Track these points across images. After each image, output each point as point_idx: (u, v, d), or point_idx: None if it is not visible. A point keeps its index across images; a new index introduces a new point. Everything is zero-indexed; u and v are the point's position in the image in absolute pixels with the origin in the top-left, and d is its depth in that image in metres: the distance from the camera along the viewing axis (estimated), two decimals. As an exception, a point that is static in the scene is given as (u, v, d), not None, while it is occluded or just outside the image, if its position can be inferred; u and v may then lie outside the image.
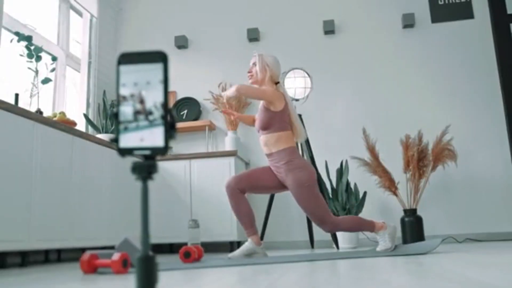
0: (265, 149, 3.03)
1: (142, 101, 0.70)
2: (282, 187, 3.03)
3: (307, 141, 4.01)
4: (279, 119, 2.95)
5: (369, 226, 2.94)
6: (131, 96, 0.71)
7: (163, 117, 0.70)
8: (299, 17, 5.16)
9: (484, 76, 4.70)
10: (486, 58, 4.74)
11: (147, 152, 0.70)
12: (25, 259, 2.88)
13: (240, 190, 2.96)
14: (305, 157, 4.12)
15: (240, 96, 3.03)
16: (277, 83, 3.07)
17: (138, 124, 0.70)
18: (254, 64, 3.08)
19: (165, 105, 0.70)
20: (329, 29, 4.99)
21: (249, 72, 3.09)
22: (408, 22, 4.84)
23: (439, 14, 4.91)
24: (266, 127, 2.97)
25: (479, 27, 4.81)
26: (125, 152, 0.71)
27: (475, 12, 4.85)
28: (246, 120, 3.29)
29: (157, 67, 0.71)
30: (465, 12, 4.87)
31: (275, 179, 3.02)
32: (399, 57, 4.89)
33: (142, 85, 0.71)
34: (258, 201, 4.63)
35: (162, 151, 0.70)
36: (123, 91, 0.71)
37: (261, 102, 3.01)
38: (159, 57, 0.71)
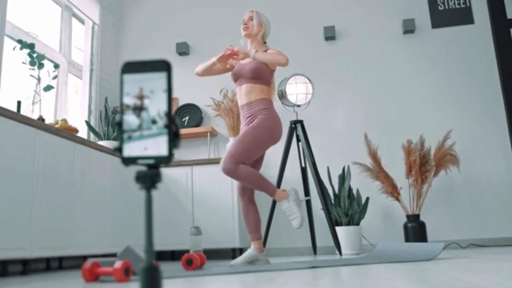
0: (244, 99, 3.04)
1: (145, 110, 0.70)
2: None
3: (309, 147, 4.00)
4: (268, 75, 3.08)
5: (269, 188, 2.88)
6: (134, 105, 0.71)
7: (167, 126, 0.70)
8: (300, 23, 5.17)
9: (485, 81, 4.71)
10: (486, 62, 4.74)
11: (151, 161, 0.70)
12: (27, 267, 2.87)
13: (251, 190, 3.04)
14: (307, 163, 4.12)
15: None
16: (264, 42, 3.21)
17: (142, 133, 0.70)
18: (251, 18, 3.16)
19: (168, 114, 0.70)
20: (330, 35, 5.00)
21: (245, 24, 3.16)
22: (409, 27, 4.85)
23: (439, 19, 4.92)
24: (257, 76, 3.02)
25: (479, 32, 4.82)
26: (129, 161, 0.70)
27: (475, 17, 4.86)
28: (223, 67, 3.19)
29: (161, 76, 0.70)
30: (465, 17, 4.88)
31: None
32: (399, 63, 4.89)
33: (145, 94, 0.71)
34: (260, 207, 4.63)
35: (166, 160, 0.70)
36: (127, 100, 0.71)
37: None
38: (163, 66, 0.71)
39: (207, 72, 3.20)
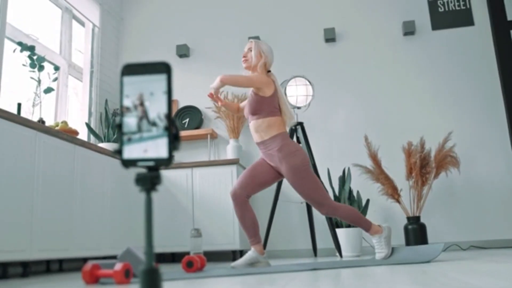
0: (256, 137, 3.00)
1: (145, 112, 0.70)
2: (279, 175, 3.03)
3: (309, 149, 4.00)
4: (268, 104, 2.95)
5: (366, 224, 2.93)
6: (134, 107, 0.71)
7: (167, 128, 0.70)
8: (300, 26, 5.17)
9: (486, 83, 4.71)
10: (487, 64, 4.74)
11: (151, 164, 0.70)
12: (27, 269, 2.87)
13: (246, 196, 2.96)
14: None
15: (228, 85, 2.98)
16: (268, 71, 3.10)
17: (142, 135, 0.70)
18: (250, 49, 3.09)
19: (168, 116, 0.70)
20: (330, 37, 5.01)
21: (243, 56, 3.10)
22: (409, 29, 4.85)
23: (439, 21, 4.92)
24: (255, 112, 2.95)
25: (479, 34, 4.82)
26: (129, 163, 0.70)
27: (475, 19, 4.87)
28: (231, 107, 3.23)
29: (161, 78, 0.70)
30: (465, 19, 4.89)
31: (272, 170, 3.01)
32: (400, 64, 4.89)
33: (145, 96, 0.71)
34: (260, 210, 4.63)
35: (166, 162, 0.69)
36: (127, 102, 0.71)
37: (251, 88, 3.01)
38: (163, 68, 0.71)
39: (235, 113, 3.27)
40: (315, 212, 4.49)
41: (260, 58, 3.05)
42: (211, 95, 3.04)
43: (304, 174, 2.86)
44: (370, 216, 4.43)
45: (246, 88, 5.04)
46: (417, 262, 2.58)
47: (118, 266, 1.98)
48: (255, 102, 2.95)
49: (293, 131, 4.11)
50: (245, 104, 3.16)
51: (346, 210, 2.91)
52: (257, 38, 5.13)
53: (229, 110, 3.24)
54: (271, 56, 3.10)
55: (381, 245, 2.92)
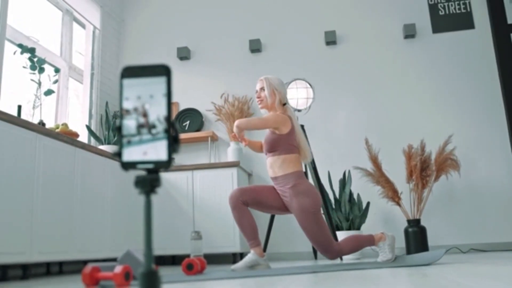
0: (270, 172, 2.99)
1: (145, 115, 0.70)
2: (286, 210, 3.01)
3: (313, 162, 4.00)
4: (285, 141, 2.93)
5: (369, 242, 2.94)
6: (134, 110, 0.70)
7: (167, 131, 0.70)
8: (301, 28, 5.18)
9: (486, 86, 4.71)
10: (487, 67, 4.74)
11: (150, 166, 0.70)
12: (27, 271, 2.86)
13: (243, 202, 2.93)
14: (307, 168, 4.11)
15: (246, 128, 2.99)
16: (284, 104, 3.06)
17: (141, 138, 0.70)
18: (262, 89, 3.05)
19: (168, 118, 0.70)
20: (331, 39, 5.01)
21: (258, 97, 3.07)
22: (409, 32, 4.86)
23: (439, 24, 4.92)
24: (272, 149, 2.95)
25: (479, 37, 4.82)
26: (128, 166, 0.70)
27: (475, 22, 4.87)
28: (255, 145, 3.23)
29: (161, 81, 0.70)
30: (466, 22, 4.89)
31: (280, 200, 2.98)
32: (400, 67, 4.90)
33: (145, 98, 0.70)
34: (261, 213, 4.62)
35: (165, 165, 0.69)
36: (126, 105, 0.71)
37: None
38: (163, 71, 0.71)
39: (259, 151, 3.23)
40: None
41: (274, 96, 3.03)
42: (234, 137, 3.01)
43: (312, 216, 2.85)
44: (370, 218, 4.43)
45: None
46: (417, 265, 2.57)
47: (118, 268, 1.98)
48: (271, 139, 2.95)
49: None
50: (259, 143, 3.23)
51: (348, 244, 2.91)
52: (257, 41, 5.13)
53: (253, 148, 3.22)
54: (284, 90, 3.07)
55: (385, 251, 2.93)
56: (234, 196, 2.93)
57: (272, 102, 3.02)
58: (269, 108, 3.06)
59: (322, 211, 3.01)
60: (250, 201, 2.95)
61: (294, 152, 2.97)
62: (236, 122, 2.90)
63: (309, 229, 2.87)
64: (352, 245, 2.92)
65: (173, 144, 0.70)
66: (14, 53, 3.65)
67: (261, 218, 4.56)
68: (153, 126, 0.70)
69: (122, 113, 0.71)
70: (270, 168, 2.99)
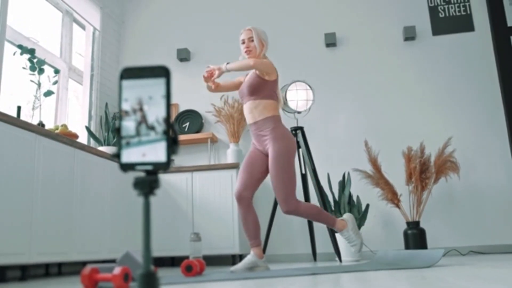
0: (249, 118, 3.02)
1: (144, 116, 0.70)
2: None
3: (309, 154, 4.00)
4: (269, 88, 3.01)
5: (329, 220, 2.95)
6: (133, 111, 0.70)
7: (166, 132, 0.69)
8: (301, 30, 5.18)
9: (486, 88, 4.71)
10: (487, 70, 4.75)
11: (149, 168, 0.70)
12: (25, 272, 2.86)
13: (251, 196, 2.98)
14: (307, 170, 4.11)
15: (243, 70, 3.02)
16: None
17: (140, 139, 0.70)
18: (250, 39, 3.10)
19: (167, 120, 0.70)
20: (331, 41, 5.01)
21: (247, 47, 3.10)
22: (409, 34, 4.86)
23: (439, 27, 4.93)
24: (254, 93, 2.99)
25: (479, 40, 4.83)
26: (127, 167, 0.70)
27: (475, 25, 4.88)
28: (225, 87, 3.20)
29: (160, 82, 0.70)
30: (466, 24, 4.90)
31: (264, 158, 3.02)
32: (400, 70, 4.90)
33: (144, 100, 0.70)
34: (260, 214, 4.62)
35: (164, 167, 0.69)
36: (126, 106, 0.71)
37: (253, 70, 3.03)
38: (162, 72, 0.71)
39: (213, 91, 3.18)
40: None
41: (262, 46, 3.12)
42: (211, 75, 3.00)
43: (285, 161, 2.89)
44: (369, 220, 4.42)
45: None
46: (416, 267, 2.57)
47: (117, 270, 1.98)
48: (257, 84, 2.98)
49: (293, 135, 4.11)
50: (228, 83, 3.19)
51: (307, 207, 2.92)
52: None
53: (223, 90, 3.20)
54: (267, 41, 3.17)
55: (351, 237, 2.96)
56: (242, 194, 2.99)
57: (260, 52, 3.10)
58: (255, 58, 3.10)
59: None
60: (255, 188, 3.02)
61: (274, 99, 3.04)
62: (253, 60, 2.92)
63: (278, 175, 2.88)
64: (311, 212, 2.92)
65: (172, 145, 0.70)
66: (14, 54, 3.65)
67: (261, 219, 4.55)
68: (152, 128, 0.70)
69: (121, 115, 0.71)
70: (249, 114, 3.02)
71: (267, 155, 3.01)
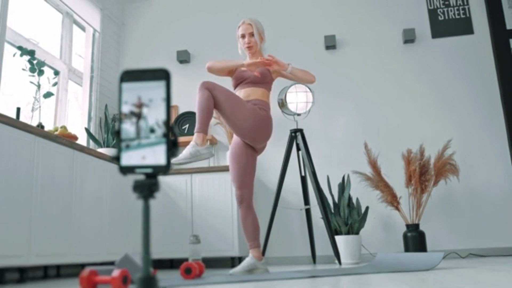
0: (243, 97, 3.04)
1: (144, 119, 0.70)
2: (254, 151, 3.06)
3: (309, 156, 3.99)
4: (270, 82, 3.12)
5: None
6: (133, 114, 0.70)
7: (165, 135, 0.69)
8: (301, 32, 5.18)
9: (485, 91, 4.71)
10: (486, 72, 4.75)
11: (149, 171, 0.69)
12: (24, 275, 2.85)
13: (250, 195, 3.00)
14: (306, 172, 4.11)
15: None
16: None
17: (140, 142, 0.70)
18: (251, 34, 3.10)
19: (167, 123, 0.69)
20: (331, 44, 5.02)
21: (248, 43, 3.11)
22: (409, 37, 4.86)
23: (439, 29, 4.93)
24: (263, 80, 3.04)
25: (479, 42, 4.83)
26: (126, 170, 0.70)
27: (474, 28, 4.88)
28: (225, 69, 3.17)
29: (160, 85, 0.70)
30: (465, 27, 4.90)
31: (250, 151, 3.02)
32: (400, 72, 4.90)
33: (144, 102, 0.70)
34: (260, 216, 4.61)
35: (164, 170, 0.69)
36: (125, 109, 0.71)
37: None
38: (162, 75, 0.71)
39: (222, 72, 3.15)
40: (315, 219, 4.47)
41: (262, 40, 3.17)
42: (268, 64, 2.98)
43: (242, 102, 2.90)
44: (369, 223, 4.42)
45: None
46: (416, 270, 2.57)
47: (116, 272, 1.97)
48: (266, 76, 3.05)
49: (292, 137, 4.11)
50: (237, 72, 3.14)
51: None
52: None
53: (221, 74, 3.20)
54: (264, 31, 3.23)
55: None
56: (244, 195, 2.98)
57: (260, 46, 3.15)
58: (255, 54, 3.13)
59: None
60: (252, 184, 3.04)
61: (269, 92, 3.13)
62: (313, 78, 3.12)
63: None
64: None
65: (172, 148, 0.70)
66: (14, 55, 3.65)
67: (260, 222, 4.54)
68: (152, 130, 0.69)
69: (121, 117, 0.71)
70: (245, 98, 3.02)
71: (250, 146, 3.02)
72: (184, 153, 2.77)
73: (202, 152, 2.82)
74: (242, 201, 2.97)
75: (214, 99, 2.85)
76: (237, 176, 2.97)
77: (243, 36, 3.13)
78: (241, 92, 3.06)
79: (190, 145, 2.79)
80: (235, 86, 3.14)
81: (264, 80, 3.05)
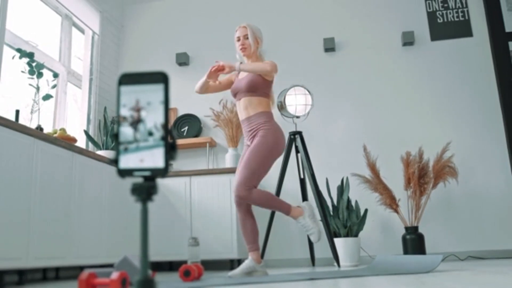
0: (243, 114, 3.04)
1: (142, 122, 0.70)
2: None
3: (308, 158, 4.00)
4: (266, 86, 3.05)
5: (283, 207, 2.93)
6: (131, 117, 0.70)
7: (164, 138, 0.69)
8: (300, 35, 5.19)
9: (484, 93, 4.72)
10: (485, 75, 4.76)
11: (147, 173, 0.69)
12: (23, 277, 2.85)
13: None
14: (305, 175, 4.11)
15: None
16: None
17: (138, 145, 0.70)
18: (246, 37, 3.12)
19: (165, 126, 0.70)
20: (330, 46, 5.02)
21: (242, 45, 3.13)
22: (408, 40, 4.87)
23: (438, 32, 4.94)
24: (252, 89, 3.01)
25: (478, 45, 4.84)
26: (125, 173, 0.70)
27: (473, 30, 4.89)
28: (214, 87, 3.18)
29: (158, 88, 0.70)
30: (464, 30, 4.91)
31: None
32: (399, 75, 4.91)
33: (142, 105, 0.70)
34: (258, 218, 4.60)
35: (162, 172, 0.69)
36: (124, 112, 0.71)
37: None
38: (160, 78, 0.71)
39: (204, 90, 3.19)
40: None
41: (257, 43, 3.15)
42: (220, 69, 3.01)
43: (263, 153, 2.87)
44: (368, 225, 4.41)
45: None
46: (415, 272, 2.57)
47: (115, 275, 1.97)
48: (257, 82, 3.01)
49: (291, 140, 4.11)
50: (219, 84, 3.19)
51: (260, 194, 2.88)
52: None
53: (202, 87, 3.17)
54: (262, 38, 3.21)
55: (308, 225, 2.93)
56: (242, 195, 2.93)
57: (254, 49, 3.13)
58: (250, 56, 3.13)
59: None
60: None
61: (268, 97, 3.09)
62: (271, 63, 2.97)
63: (250, 160, 2.87)
64: (263, 198, 2.89)
65: (170, 151, 0.70)
66: (13, 57, 3.65)
67: (259, 224, 4.54)
68: (150, 133, 0.69)
69: (119, 120, 0.71)
70: (244, 110, 3.03)
71: None
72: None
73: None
74: (241, 204, 2.96)
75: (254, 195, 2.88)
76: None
77: (238, 39, 3.16)
78: (240, 104, 3.06)
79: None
80: (234, 97, 3.17)
81: (255, 88, 3.01)
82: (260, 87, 3.02)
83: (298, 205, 3.00)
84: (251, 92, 3.01)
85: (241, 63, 3.06)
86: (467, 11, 4.95)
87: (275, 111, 3.24)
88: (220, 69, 3.04)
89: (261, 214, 4.58)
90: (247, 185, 2.85)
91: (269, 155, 2.90)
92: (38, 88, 3.72)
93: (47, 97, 3.76)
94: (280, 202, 2.94)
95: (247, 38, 3.13)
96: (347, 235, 4.07)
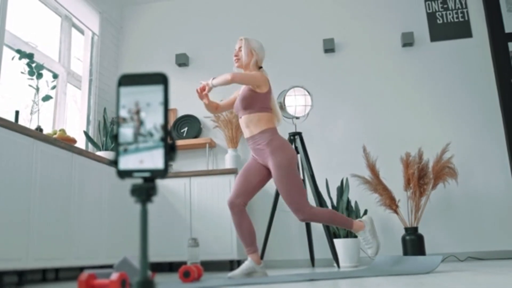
0: (246, 132, 3.02)
1: (142, 123, 0.70)
2: (269, 173, 3.02)
3: (307, 159, 4.00)
4: (262, 100, 2.98)
5: (346, 223, 2.94)
6: (131, 118, 0.70)
7: (163, 139, 0.69)
8: (299, 36, 5.19)
9: (484, 94, 4.72)
10: (485, 75, 4.76)
11: (147, 174, 0.69)
12: (22, 278, 2.85)
13: (244, 204, 2.95)
14: (305, 175, 4.11)
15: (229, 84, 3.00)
16: (260, 67, 3.12)
17: (138, 146, 0.70)
18: (239, 48, 3.10)
19: (165, 127, 0.70)
20: (329, 47, 5.03)
21: (235, 56, 3.11)
22: (407, 40, 4.87)
23: (438, 33, 4.95)
24: (248, 106, 2.97)
25: (477, 46, 4.85)
26: (124, 174, 0.70)
27: (473, 31, 4.89)
28: (211, 106, 3.16)
29: (158, 89, 0.70)
30: (464, 31, 4.91)
31: (263, 169, 3.00)
32: (398, 75, 4.91)
33: (142, 106, 0.70)
34: (258, 219, 4.61)
35: (162, 174, 0.69)
36: (123, 113, 0.71)
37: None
38: (160, 79, 0.71)
39: (214, 111, 3.18)
40: (314, 222, 4.47)
41: (251, 56, 3.09)
42: (202, 90, 3.00)
43: (288, 173, 2.86)
44: (368, 226, 4.41)
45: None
46: (415, 273, 2.57)
47: (115, 276, 1.97)
48: (249, 97, 2.96)
49: (291, 141, 4.11)
50: (226, 102, 3.20)
51: (323, 213, 2.89)
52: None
53: (208, 109, 3.17)
54: (262, 52, 3.13)
55: (368, 239, 2.97)
56: (234, 202, 2.96)
57: (247, 62, 3.07)
58: (243, 68, 3.11)
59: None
60: (249, 197, 2.99)
61: (268, 111, 3.01)
62: (232, 73, 2.88)
63: (284, 185, 2.86)
64: (327, 216, 2.89)
65: (170, 152, 0.70)
66: (13, 58, 3.65)
67: (259, 225, 4.54)
68: (150, 134, 0.69)
69: (119, 121, 0.71)
70: (246, 128, 3.00)
71: (266, 167, 3.00)
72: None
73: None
74: (234, 207, 2.95)
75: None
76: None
77: (235, 52, 3.16)
78: (241, 123, 3.04)
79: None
80: (238, 115, 3.16)
81: (250, 104, 2.96)
82: (254, 102, 2.96)
83: (360, 219, 3.02)
84: (249, 109, 2.97)
85: (213, 78, 2.98)
86: (467, 12, 4.95)
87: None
88: (203, 89, 3.00)
89: (260, 214, 4.59)
90: (303, 207, 2.85)
91: (291, 170, 2.88)
92: (37, 89, 3.73)
93: (46, 98, 3.76)
94: (342, 217, 2.94)
95: (241, 50, 3.11)
96: (346, 236, 4.07)
